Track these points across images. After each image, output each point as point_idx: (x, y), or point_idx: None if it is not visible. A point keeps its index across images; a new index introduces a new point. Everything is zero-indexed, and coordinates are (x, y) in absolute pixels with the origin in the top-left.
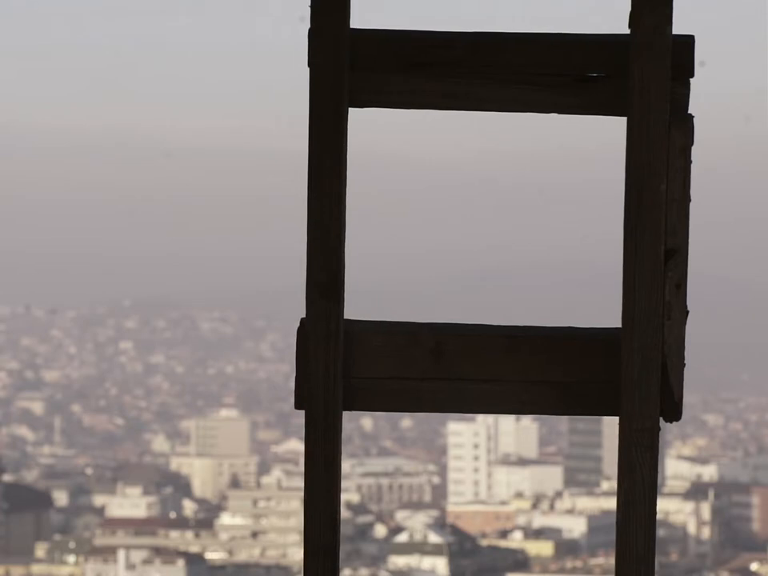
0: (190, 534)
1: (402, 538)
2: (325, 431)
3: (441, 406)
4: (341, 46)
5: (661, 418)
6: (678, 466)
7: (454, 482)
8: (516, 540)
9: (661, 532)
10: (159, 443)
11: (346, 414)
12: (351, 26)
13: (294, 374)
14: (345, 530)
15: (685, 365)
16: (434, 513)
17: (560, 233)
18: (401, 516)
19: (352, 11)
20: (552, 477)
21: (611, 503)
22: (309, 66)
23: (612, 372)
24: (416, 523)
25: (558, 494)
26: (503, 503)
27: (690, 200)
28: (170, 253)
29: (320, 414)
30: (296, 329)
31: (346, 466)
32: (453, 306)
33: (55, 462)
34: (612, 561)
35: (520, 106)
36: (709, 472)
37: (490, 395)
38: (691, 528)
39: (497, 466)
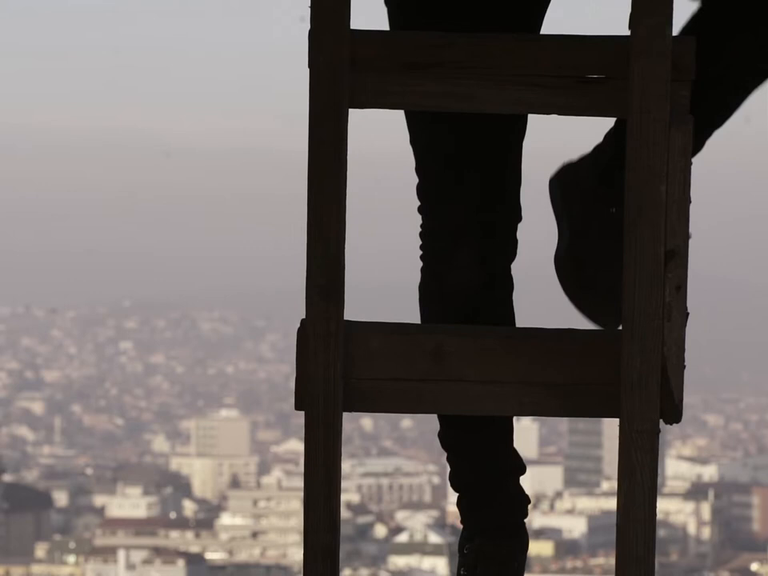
0: (190, 534)
1: (402, 538)
2: (325, 432)
3: (441, 407)
4: (341, 47)
5: (661, 420)
6: (678, 466)
7: None
8: None
9: (661, 532)
10: (159, 443)
11: (346, 415)
12: (351, 27)
13: (294, 375)
14: (345, 530)
15: (685, 366)
16: (434, 513)
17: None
18: (401, 516)
19: (352, 12)
20: (552, 477)
21: (611, 503)
22: (309, 66)
23: (612, 374)
24: (416, 523)
25: (558, 494)
26: None
27: (690, 201)
28: (170, 253)
29: (320, 415)
30: (296, 329)
31: (346, 466)
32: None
33: (55, 462)
34: (612, 561)
35: (520, 107)
36: (709, 472)
37: (490, 396)
38: (691, 528)
39: None
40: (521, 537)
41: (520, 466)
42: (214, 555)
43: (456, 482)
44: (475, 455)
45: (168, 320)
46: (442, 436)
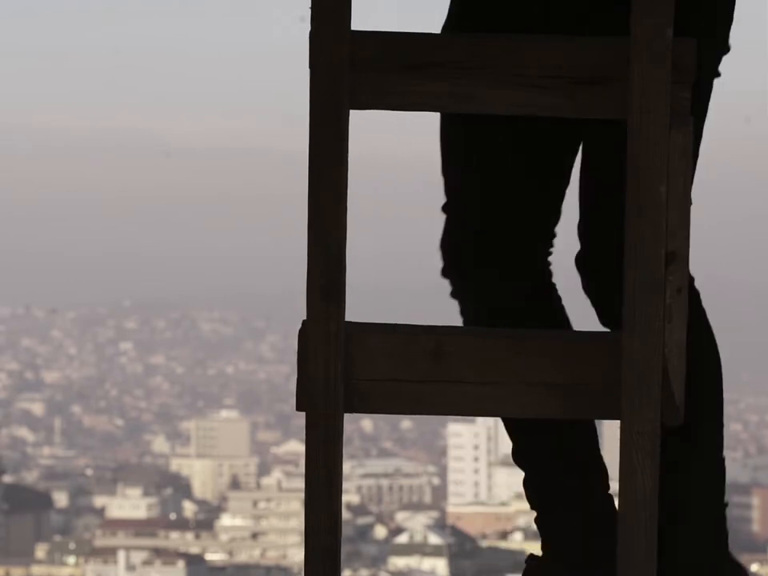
0: (190, 535)
1: (402, 539)
2: (325, 433)
3: (440, 408)
4: (341, 48)
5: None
6: None
7: (454, 483)
8: (516, 541)
9: None
10: (159, 444)
11: (346, 416)
12: (351, 28)
13: (295, 376)
14: (345, 531)
15: (685, 368)
16: (434, 514)
17: (560, 234)
18: (401, 517)
19: (352, 12)
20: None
21: None
22: (309, 67)
23: (613, 375)
24: (416, 524)
25: None
26: (503, 504)
27: (690, 203)
28: (170, 253)
29: (320, 416)
30: (297, 329)
31: (346, 467)
32: (453, 307)
33: (55, 462)
34: None
35: (519, 108)
36: None
37: (490, 398)
38: None
39: (497, 467)
40: (605, 570)
41: (604, 482)
42: (214, 556)
43: (532, 500)
44: (552, 470)
45: (168, 320)
46: (514, 453)
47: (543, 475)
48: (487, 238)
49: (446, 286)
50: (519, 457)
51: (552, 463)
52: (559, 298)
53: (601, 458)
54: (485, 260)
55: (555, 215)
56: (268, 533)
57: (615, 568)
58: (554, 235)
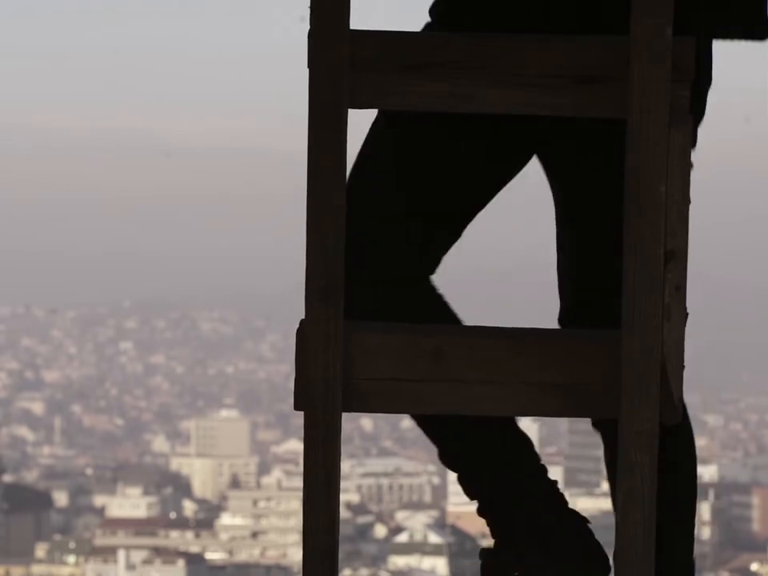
0: (190, 535)
1: (402, 538)
2: (324, 433)
3: (440, 408)
4: (340, 47)
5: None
6: None
7: (454, 483)
8: None
9: None
10: (159, 443)
11: (345, 415)
12: (351, 27)
13: (294, 375)
14: (345, 530)
15: (684, 367)
16: (434, 513)
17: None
18: (401, 516)
19: (352, 12)
20: (552, 477)
21: (611, 504)
22: (308, 66)
23: (612, 374)
24: (416, 523)
25: None
26: None
27: (689, 202)
28: (170, 253)
29: (319, 415)
30: (296, 329)
31: (345, 466)
32: (453, 307)
33: (55, 462)
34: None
35: (519, 108)
36: (709, 472)
37: (490, 397)
38: None
39: None
40: (557, 545)
41: (532, 453)
42: (214, 555)
43: (471, 493)
44: (484, 459)
45: (168, 320)
46: (441, 454)
47: (477, 468)
48: (378, 246)
49: (445, 285)
50: (448, 456)
51: (482, 452)
52: (442, 299)
53: (518, 428)
54: (372, 271)
55: (467, 222)
56: (268, 532)
57: (566, 541)
58: (456, 239)
